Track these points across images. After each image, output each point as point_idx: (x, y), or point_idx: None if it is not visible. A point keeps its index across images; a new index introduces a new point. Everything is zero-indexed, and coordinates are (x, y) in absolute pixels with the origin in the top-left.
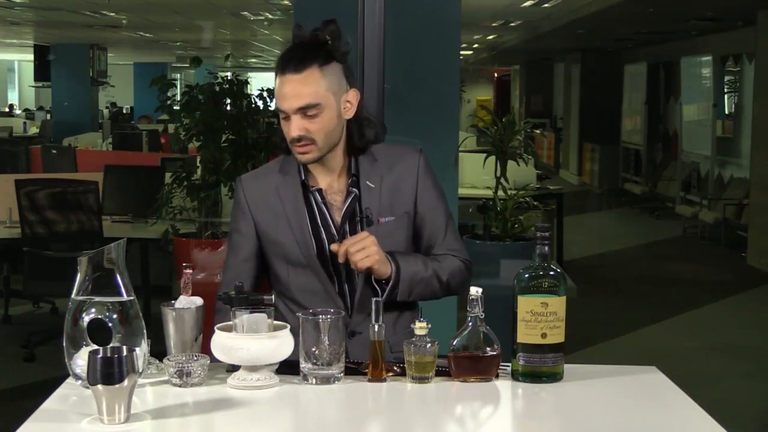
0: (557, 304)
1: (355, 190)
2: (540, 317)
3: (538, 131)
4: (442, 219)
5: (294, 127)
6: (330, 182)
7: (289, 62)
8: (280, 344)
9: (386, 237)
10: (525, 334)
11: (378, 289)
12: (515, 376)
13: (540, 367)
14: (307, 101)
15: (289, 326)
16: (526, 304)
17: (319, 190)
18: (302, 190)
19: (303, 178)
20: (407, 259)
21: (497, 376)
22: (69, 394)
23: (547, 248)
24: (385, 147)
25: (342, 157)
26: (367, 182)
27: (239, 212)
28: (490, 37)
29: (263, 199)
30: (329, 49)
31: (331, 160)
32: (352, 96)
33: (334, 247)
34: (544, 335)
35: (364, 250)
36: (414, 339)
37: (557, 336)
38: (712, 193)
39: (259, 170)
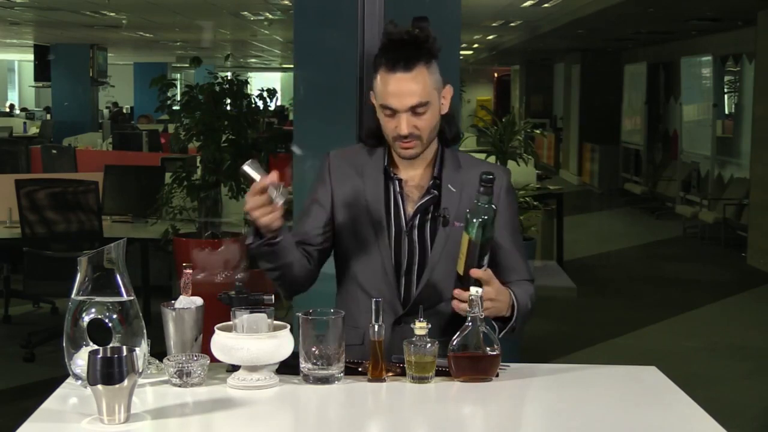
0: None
1: (435, 191)
2: None
3: (538, 131)
4: (511, 240)
5: (404, 125)
6: (412, 175)
7: (398, 61)
8: (280, 344)
9: (457, 241)
10: None
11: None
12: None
13: None
14: (419, 99)
15: (289, 326)
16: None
17: (400, 180)
18: (384, 175)
19: (386, 164)
20: (521, 293)
21: (497, 376)
22: (69, 394)
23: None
24: (474, 160)
25: (432, 153)
26: (449, 186)
27: (320, 183)
28: (490, 37)
29: (347, 174)
30: (429, 46)
31: (424, 154)
32: (447, 92)
33: (476, 272)
34: None
35: (493, 307)
36: (414, 339)
37: None
38: (712, 193)
39: (347, 148)
